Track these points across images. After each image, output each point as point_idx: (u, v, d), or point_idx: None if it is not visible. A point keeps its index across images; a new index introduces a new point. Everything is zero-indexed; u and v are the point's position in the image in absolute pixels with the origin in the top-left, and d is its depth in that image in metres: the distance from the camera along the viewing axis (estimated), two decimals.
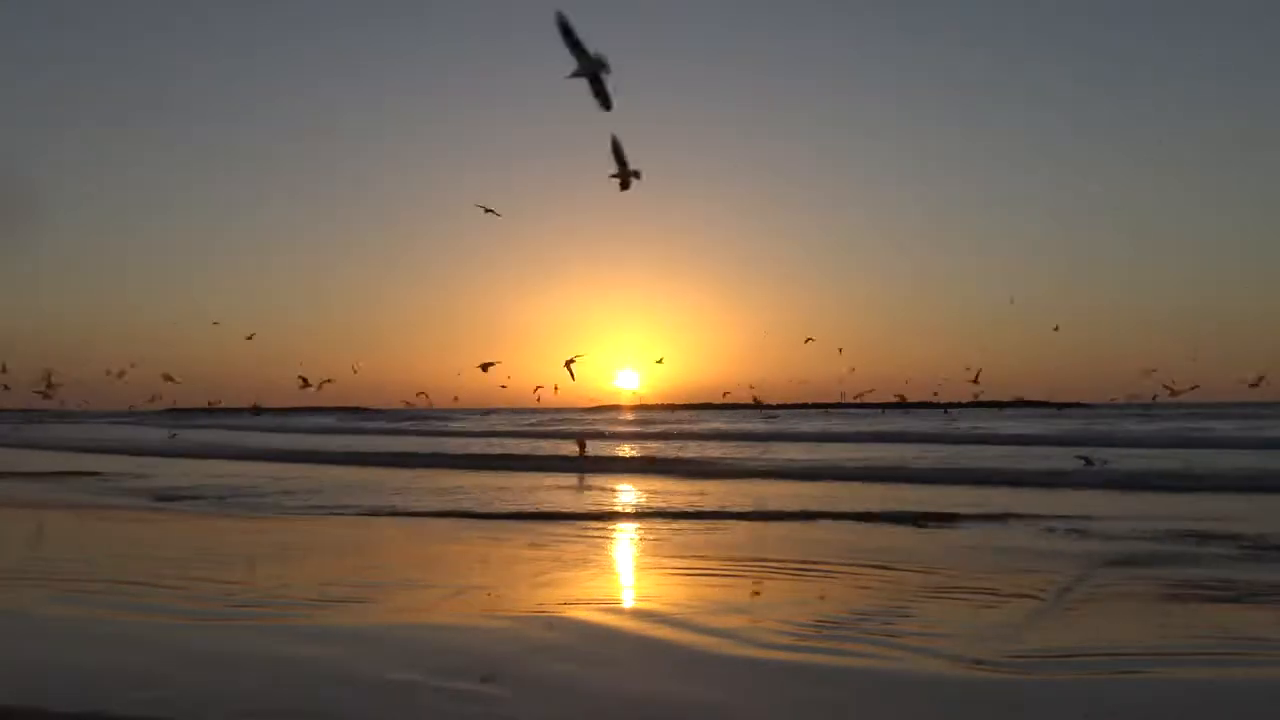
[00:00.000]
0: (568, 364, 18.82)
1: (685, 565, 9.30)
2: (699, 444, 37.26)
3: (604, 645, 5.95)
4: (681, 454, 30.20)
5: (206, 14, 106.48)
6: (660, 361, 25.10)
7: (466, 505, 15.23)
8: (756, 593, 8.04)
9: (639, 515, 14.24)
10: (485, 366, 18.85)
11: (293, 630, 6.32)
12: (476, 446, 35.01)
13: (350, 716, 4.58)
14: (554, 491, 18.05)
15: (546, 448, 32.27)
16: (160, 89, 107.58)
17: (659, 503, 15.75)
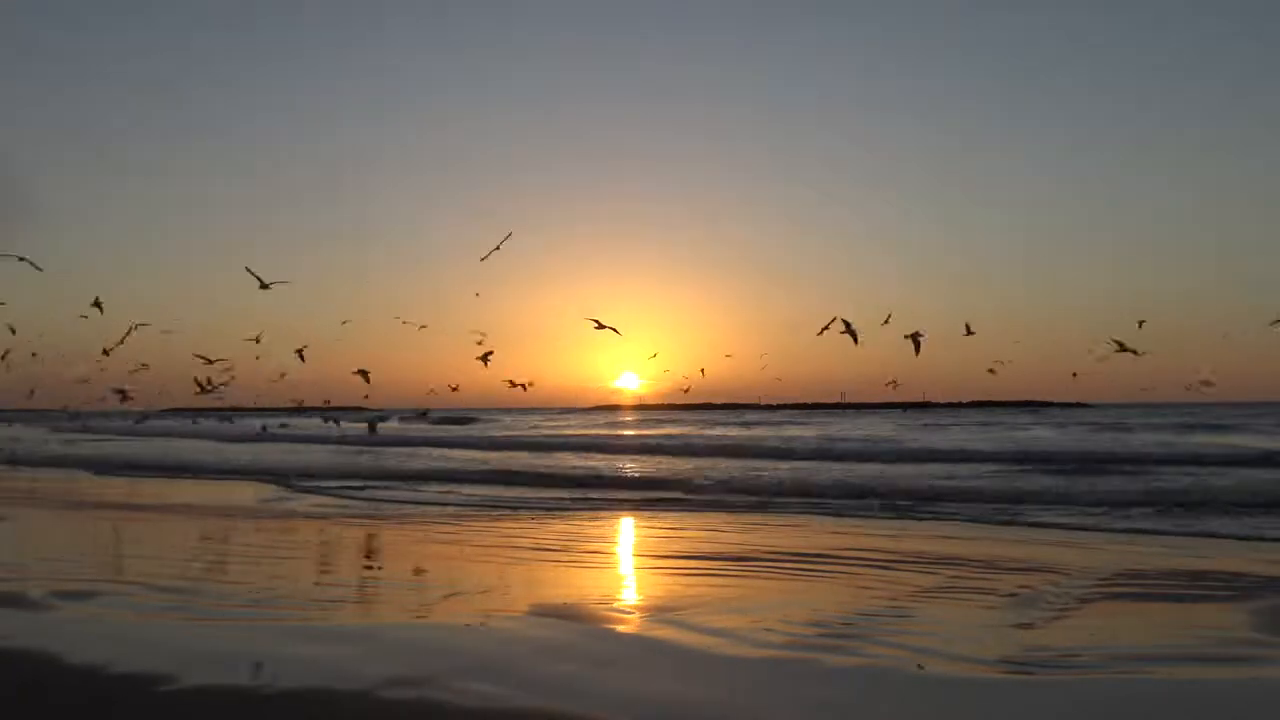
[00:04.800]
0: (483, 354, 17.87)
1: (685, 565, 9.30)
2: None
3: (604, 645, 5.96)
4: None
5: (214, 11, 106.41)
6: (704, 370, 25.26)
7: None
8: (756, 592, 8.02)
9: (639, 517, 14.23)
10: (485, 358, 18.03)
11: (292, 630, 6.32)
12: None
13: (351, 716, 4.58)
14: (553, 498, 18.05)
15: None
16: (162, 87, 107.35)
17: (661, 506, 15.75)
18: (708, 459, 26.98)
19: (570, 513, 14.47)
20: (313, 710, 4.61)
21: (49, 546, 10.92)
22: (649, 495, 17.55)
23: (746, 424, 61.30)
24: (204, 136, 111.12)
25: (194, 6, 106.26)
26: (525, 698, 4.77)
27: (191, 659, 5.41)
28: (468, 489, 18.87)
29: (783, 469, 22.76)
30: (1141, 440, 34.59)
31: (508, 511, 14.60)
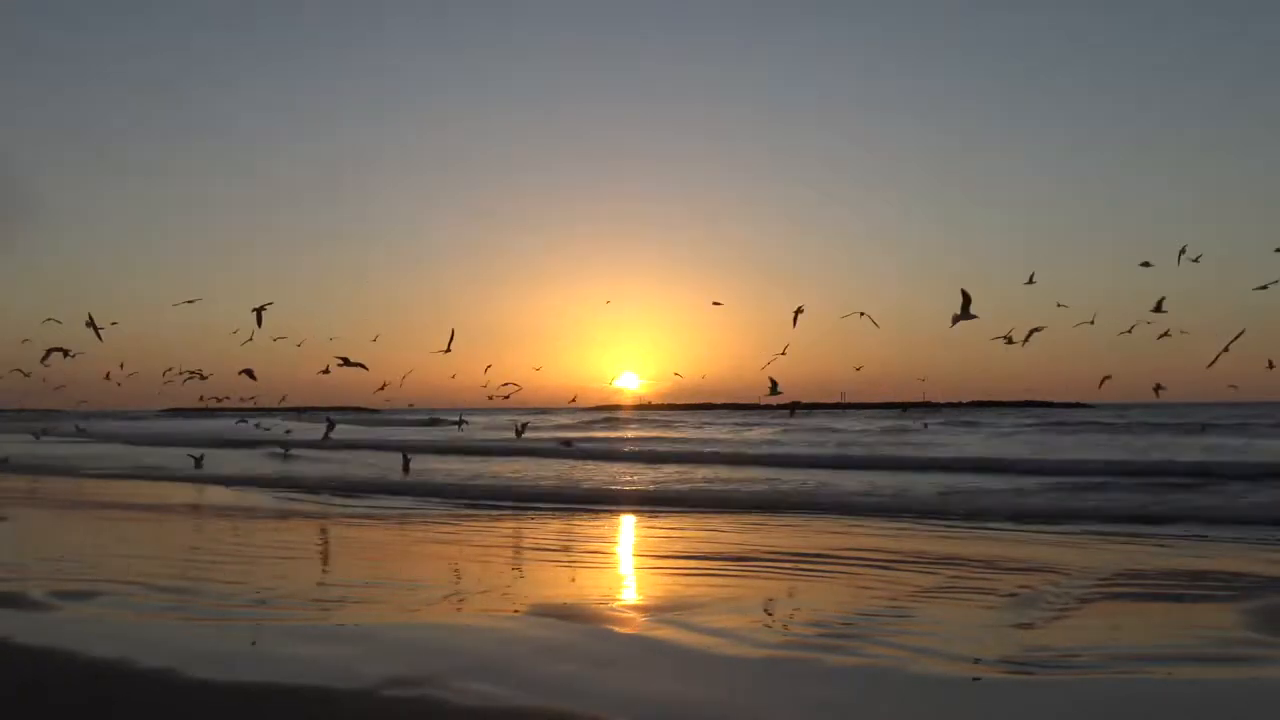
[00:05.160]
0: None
1: (685, 565, 9.30)
2: None
3: (604, 645, 5.96)
4: None
5: (214, 11, 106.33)
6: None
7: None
8: (756, 592, 8.02)
9: (639, 517, 14.23)
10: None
11: (292, 630, 6.33)
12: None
13: (351, 716, 4.58)
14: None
15: None
16: (162, 87, 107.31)
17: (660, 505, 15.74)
18: (708, 467, 24.57)
19: (570, 513, 14.47)
20: (313, 710, 4.61)
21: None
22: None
23: (744, 425, 57.58)
24: (204, 136, 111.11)
25: (194, 6, 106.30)
26: (525, 698, 4.77)
27: (192, 657, 5.43)
28: None
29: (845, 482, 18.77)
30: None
31: (508, 512, 14.60)
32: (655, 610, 7.04)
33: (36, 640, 5.91)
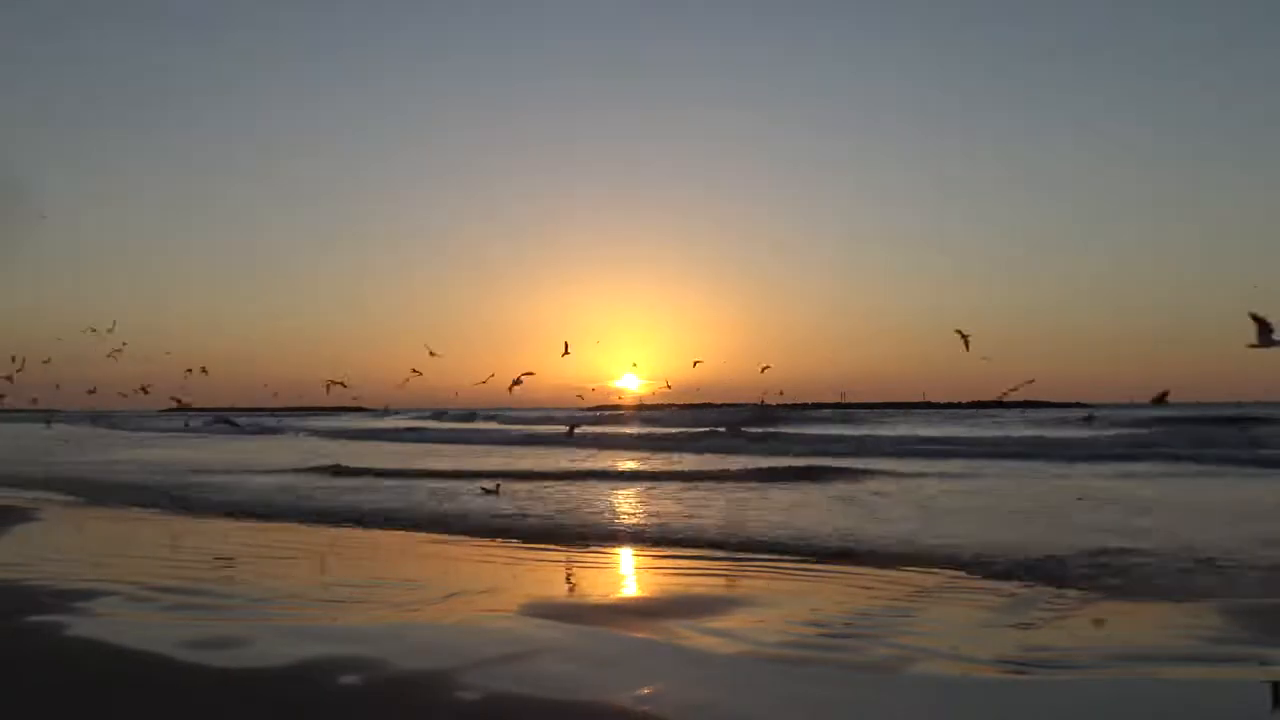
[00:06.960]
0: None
1: (685, 565, 9.30)
2: None
3: (604, 645, 5.96)
4: None
5: (208, 11, 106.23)
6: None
7: None
8: (756, 592, 8.02)
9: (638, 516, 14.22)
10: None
11: (292, 630, 6.33)
12: None
13: (351, 715, 4.59)
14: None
15: None
16: (158, 88, 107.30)
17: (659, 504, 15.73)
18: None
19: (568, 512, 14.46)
20: (313, 712, 4.62)
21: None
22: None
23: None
24: (204, 136, 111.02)
25: (195, 6, 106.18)
26: (526, 696, 4.78)
27: (189, 650, 5.44)
28: None
29: None
30: None
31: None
32: (655, 610, 7.04)
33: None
